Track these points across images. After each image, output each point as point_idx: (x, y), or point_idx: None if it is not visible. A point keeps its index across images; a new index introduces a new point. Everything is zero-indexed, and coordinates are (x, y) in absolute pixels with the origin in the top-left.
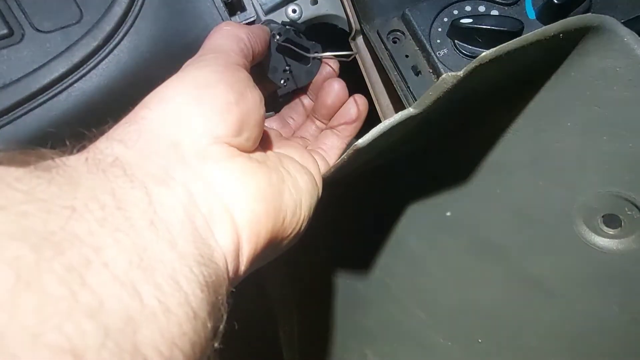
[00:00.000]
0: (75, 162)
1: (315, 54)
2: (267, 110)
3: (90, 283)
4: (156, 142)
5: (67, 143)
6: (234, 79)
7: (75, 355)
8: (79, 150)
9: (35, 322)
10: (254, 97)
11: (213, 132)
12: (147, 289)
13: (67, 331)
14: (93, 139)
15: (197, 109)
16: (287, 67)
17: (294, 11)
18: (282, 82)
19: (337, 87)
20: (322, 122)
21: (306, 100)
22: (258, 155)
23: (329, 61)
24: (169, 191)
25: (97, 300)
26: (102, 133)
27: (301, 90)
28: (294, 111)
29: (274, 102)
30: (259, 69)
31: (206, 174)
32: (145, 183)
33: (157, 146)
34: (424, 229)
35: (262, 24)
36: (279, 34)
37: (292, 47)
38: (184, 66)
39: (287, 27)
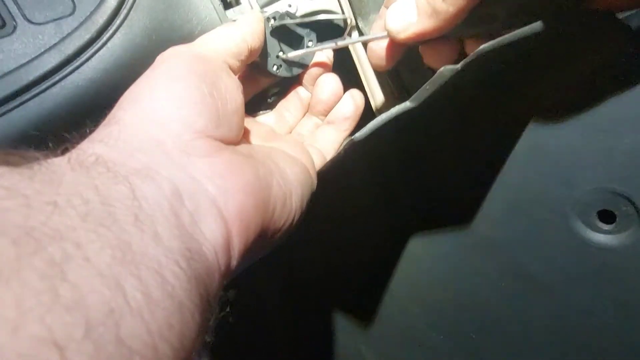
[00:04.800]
0: (58, 161)
1: (310, 42)
2: (260, 110)
3: (71, 277)
4: (137, 140)
5: (50, 146)
6: (203, 69)
7: (58, 346)
8: (62, 153)
9: (16, 315)
10: (227, 85)
11: (193, 127)
12: (131, 283)
13: (49, 323)
14: (75, 142)
15: (170, 103)
16: (280, 53)
17: (289, 6)
18: (274, 68)
19: (331, 83)
20: (318, 118)
21: (302, 92)
22: (244, 148)
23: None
24: (154, 187)
25: (78, 294)
26: (84, 136)
27: (296, 81)
28: (291, 104)
29: (268, 101)
30: (252, 63)
31: (191, 170)
32: (129, 179)
33: (138, 144)
34: (420, 225)
35: None
36: (274, 18)
37: (286, 32)
38: (154, 62)
39: (282, 12)
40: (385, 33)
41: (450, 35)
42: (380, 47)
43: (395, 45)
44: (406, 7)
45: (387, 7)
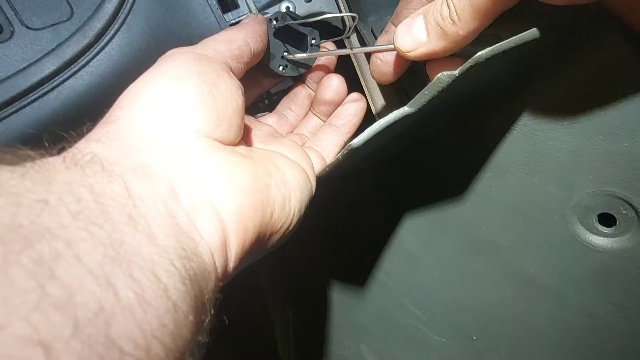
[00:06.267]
0: (52, 160)
1: (313, 40)
2: (261, 111)
3: (59, 275)
4: (134, 139)
5: (47, 145)
6: (204, 69)
7: (44, 346)
8: (59, 152)
9: (1, 314)
10: (228, 86)
11: (191, 126)
12: (122, 281)
13: (35, 322)
14: (72, 142)
15: (169, 103)
16: (285, 53)
17: (287, 8)
18: (280, 68)
19: (335, 83)
20: (321, 118)
21: (306, 90)
22: (243, 149)
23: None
24: (150, 185)
25: (66, 293)
26: (81, 136)
27: (299, 79)
28: (293, 102)
29: (269, 101)
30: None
31: (189, 169)
32: (124, 178)
33: (135, 143)
34: (420, 227)
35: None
36: (276, 19)
37: (290, 31)
38: (156, 62)
39: (283, 13)
40: (392, 46)
41: (458, 54)
42: (384, 63)
43: (401, 61)
44: (416, 26)
45: (394, 25)
